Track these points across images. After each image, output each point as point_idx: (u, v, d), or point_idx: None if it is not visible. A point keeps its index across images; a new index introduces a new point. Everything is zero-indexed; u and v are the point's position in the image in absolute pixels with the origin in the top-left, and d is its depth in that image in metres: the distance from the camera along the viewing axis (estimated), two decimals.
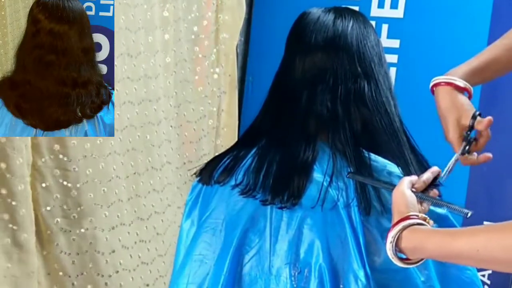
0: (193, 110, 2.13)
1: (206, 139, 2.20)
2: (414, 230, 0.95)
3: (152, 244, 1.94)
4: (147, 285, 1.90)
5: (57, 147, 1.57)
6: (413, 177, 1.04)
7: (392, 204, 1.01)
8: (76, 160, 1.62)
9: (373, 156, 1.16)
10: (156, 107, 1.89)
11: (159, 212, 1.97)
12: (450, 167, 1.17)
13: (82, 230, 1.66)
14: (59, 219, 1.61)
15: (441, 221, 1.15)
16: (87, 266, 1.69)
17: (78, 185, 1.63)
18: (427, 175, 1.05)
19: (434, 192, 1.05)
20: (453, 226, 1.17)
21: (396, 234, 0.95)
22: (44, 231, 1.61)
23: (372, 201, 1.10)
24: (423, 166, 1.17)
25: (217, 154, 2.20)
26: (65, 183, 1.61)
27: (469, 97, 1.26)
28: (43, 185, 1.57)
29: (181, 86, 2.07)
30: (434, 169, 1.07)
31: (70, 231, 1.64)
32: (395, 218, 0.98)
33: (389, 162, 1.16)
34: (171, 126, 2.00)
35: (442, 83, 1.25)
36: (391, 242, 0.95)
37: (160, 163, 1.95)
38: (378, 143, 1.16)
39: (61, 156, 1.59)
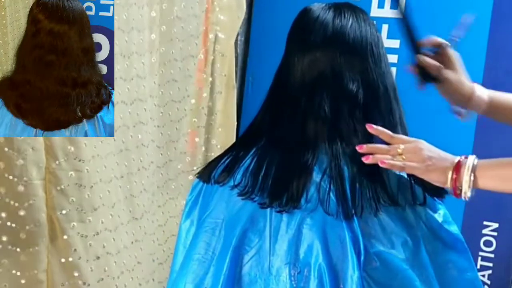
0: (177, 110, 2.12)
1: (184, 138, 2.19)
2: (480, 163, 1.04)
3: (144, 243, 1.94)
4: (140, 284, 1.90)
5: (71, 148, 1.53)
6: None
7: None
8: (87, 161, 1.58)
9: None
10: (145, 107, 1.88)
11: (148, 211, 1.96)
12: None
13: (97, 233, 1.63)
14: (75, 223, 1.57)
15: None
16: (102, 269, 1.66)
17: (91, 186, 1.60)
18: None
19: None
20: (452, 227, 1.17)
21: (473, 163, 1.03)
22: (60, 236, 1.55)
23: (369, 201, 1.10)
24: None
25: (210, 154, 2.22)
26: (79, 185, 1.57)
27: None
28: (58, 188, 1.53)
29: (169, 86, 2.05)
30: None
31: (87, 235, 1.60)
32: (448, 159, 1.06)
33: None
34: (158, 126, 2.00)
35: None
36: (468, 174, 1.04)
37: (148, 162, 1.95)
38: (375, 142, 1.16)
39: (74, 158, 1.54)
